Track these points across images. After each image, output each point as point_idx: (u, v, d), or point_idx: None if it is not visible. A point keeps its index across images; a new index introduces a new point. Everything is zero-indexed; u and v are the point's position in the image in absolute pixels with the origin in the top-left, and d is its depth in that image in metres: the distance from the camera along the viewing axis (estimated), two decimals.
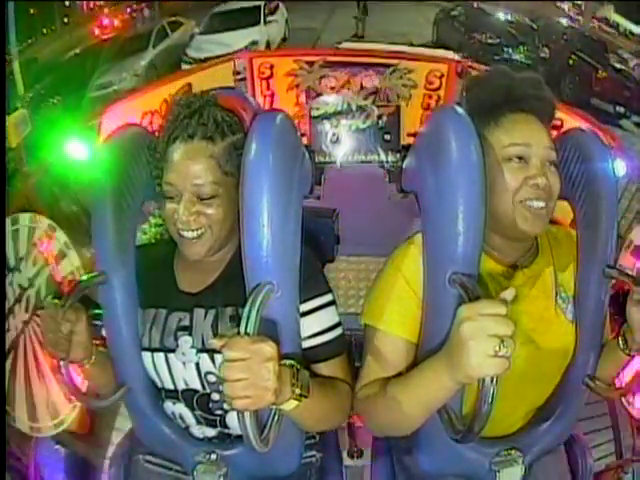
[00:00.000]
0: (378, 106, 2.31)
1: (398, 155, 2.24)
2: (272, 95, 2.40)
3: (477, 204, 0.87)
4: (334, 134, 2.29)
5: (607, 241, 0.99)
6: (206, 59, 7.76)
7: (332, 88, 2.37)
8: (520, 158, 0.96)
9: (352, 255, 2.37)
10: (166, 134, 0.98)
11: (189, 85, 2.35)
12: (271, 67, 2.36)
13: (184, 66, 8.08)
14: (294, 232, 0.92)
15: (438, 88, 2.35)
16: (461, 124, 0.90)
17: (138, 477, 1.13)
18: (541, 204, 0.95)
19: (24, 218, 1.82)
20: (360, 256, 2.39)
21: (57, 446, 1.95)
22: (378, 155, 2.28)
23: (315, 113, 2.30)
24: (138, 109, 2.31)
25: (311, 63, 2.34)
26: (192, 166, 0.96)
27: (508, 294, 0.75)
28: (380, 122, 2.29)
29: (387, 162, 2.27)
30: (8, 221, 1.66)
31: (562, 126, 2.19)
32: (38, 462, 1.93)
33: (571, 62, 7.55)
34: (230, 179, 0.98)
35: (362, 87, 2.37)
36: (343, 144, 2.29)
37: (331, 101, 2.30)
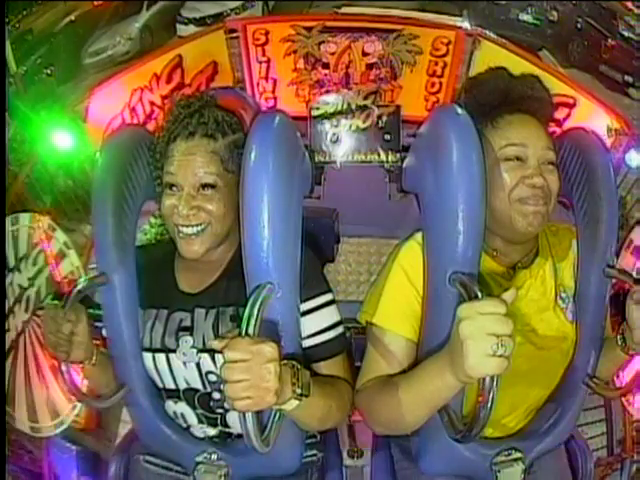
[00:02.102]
0: (378, 106, 2.30)
1: (398, 155, 2.23)
2: (268, 61, 2.37)
3: (477, 204, 0.87)
4: (334, 134, 2.29)
5: (607, 241, 0.99)
6: (201, 18, 7.64)
7: (332, 54, 2.35)
8: (518, 158, 0.96)
9: (353, 236, 2.36)
10: (166, 134, 0.99)
11: (179, 57, 2.33)
12: (266, 33, 2.33)
13: (179, 27, 7.90)
14: (294, 232, 0.92)
15: (445, 55, 2.33)
16: (461, 124, 0.90)
17: (138, 477, 1.13)
18: (539, 207, 0.95)
19: (24, 218, 1.82)
20: (361, 237, 2.37)
21: (68, 444, 1.96)
22: (378, 155, 2.27)
23: (315, 113, 2.29)
24: (126, 87, 2.28)
25: (309, 28, 2.31)
26: (194, 160, 0.96)
27: (509, 295, 0.75)
28: (380, 122, 2.29)
29: (387, 162, 2.26)
30: (8, 221, 1.66)
31: (575, 104, 2.19)
32: (51, 461, 1.94)
33: (579, 26, 7.50)
34: (231, 176, 0.98)
35: (364, 53, 2.35)
36: (343, 144, 2.28)
37: (331, 101, 2.29)
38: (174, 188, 0.98)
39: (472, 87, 1.05)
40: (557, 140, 1.02)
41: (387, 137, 2.28)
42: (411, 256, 0.99)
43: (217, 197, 0.97)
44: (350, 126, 2.29)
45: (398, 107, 2.30)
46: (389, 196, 2.24)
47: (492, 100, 0.99)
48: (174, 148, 0.98)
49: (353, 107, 2.29)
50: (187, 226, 0.97)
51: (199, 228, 0.97)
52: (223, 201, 0.98)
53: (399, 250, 1.02)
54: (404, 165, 1.09)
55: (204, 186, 0.97)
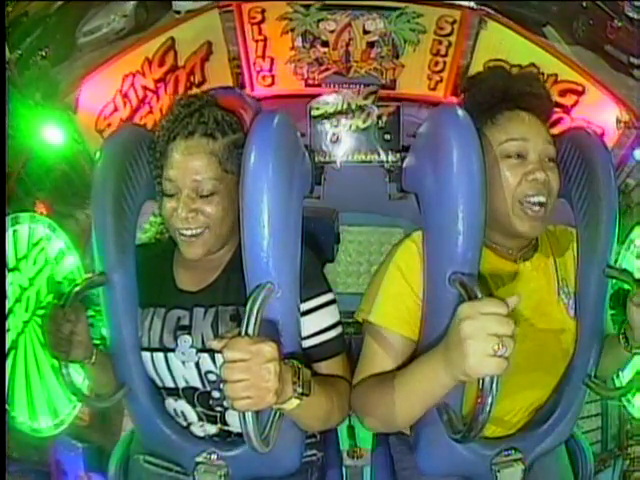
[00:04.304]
0: (378, 106, 2.30)
1: (398, 155, 2.23)
2: (265, 40, 2.33)
3: (477, 204, 0.87)
4: (334, 134, 2.29)
5: (607, 241, 0.99)
6: None
7: (331, 32, 2.32)
8: (518, 155, 0.96)
9: (353, 225, 2.34)
10: (166, 132, 0.99)
11: (172, 39, 2.28)
12: (262, 11, 2.29)
13: (175, 3, 7.92)
14: (294, 232, 0.92)
15: (449, 34, 2.29)
16: (461, 124, 0.90)
17: (138, 477, 1.13)
18: (541, 199, 0.95)
19: (24, 218, 1.82)
20: (361, 226, 2.36)
21: (74, 441, 1.96)
22: (378, 155, 2.28)
23: (315, 113, 2.29)
24: (117, 73, 2.22)
25: (307, 6, 2.26)
26: (192, 162, 0.96)
27: (512, 301, 0.75)
28: (380, 122, 2.29)
29: (387, 162, 2.26)
30: (8, 221, 1.66)
31: (584, 92, 2.17)
32: (58, 459, 1.94)
33: (585, 4, 7.50)
34: (230, 177, 0.98)
35: (365, 30, 2.32)
36: (343, 144, 2.29)
37: (331, 101, 2.29)
38: (173, 191, 0.98)
39: (471, 86, 1.06)
40: (557, 140, 1.03)
41: (387, 137, 2.28)
42: (408, 255, 0.99)
43: (216, 200, 0.97)
44: (350, 126, 2.29)
45: (398, 107, 2.30)
46: (389, 196, 2.24)
47: (491, 98, 1.00)
48: (174, 147, 0.98)
49: (353, 107, 2.29)
50: (186, 229, 0.97)
51: (198, 231, 0.98)
52: (222, 204, 0.98)
53: (396, 250, 1.02)
54: (404, 165, 1.08)
55: (203, 191, 0.97)
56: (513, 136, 0.96)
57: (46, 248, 1.84)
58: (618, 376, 1.16)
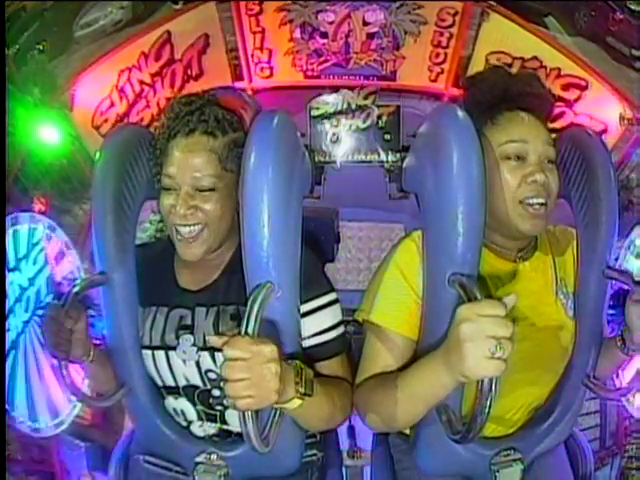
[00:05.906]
0: (378, 106, 2.30)
1: (398, 155, 2.23)
2: (263, 31, 2.32)
3: (477, 205, 0.87)
4: (334, 134, 2.29)
5: (607, 242, 0.99)
6: None
7: (331, 23, 2.30)
8: (518, 157, 0.96)
9: (352, 221, 2.34)
10: (166, 130, 0.99)
11: (168, 33, 2.27)
12: (260, 3, 2.27)
13: None
14: (294, 232, 0.92)
15: (451, 26, 2.27)
16: (461, 125, 0.90)
17: (138, 477, 1.13)
18: (541, 200, 0.95)
19: (24, 218, 1.82)
20: (361, 222, 2.35)
21: (77, 441, 1.96)
22: (378, 155, 2.28)
23: (315, 113, 2.29)
24: (113, 69, 2.21)
25: None
26: (192, 159, 0.96)
27: (510, 300, 0.75)
28: (380, 122, 2.29)
29: (387, 162, 2.26)
30: (8, 221, 1.66)
31: (587, 87, 2.16)
32: (62, 459, 1.94)
33: None
34: (230, 175, 0.98)
35: (365, 22, 2.30)
36: (343, 144, 2.29)
37: (331, 101, 2.29)
38: (172, 188, 0.98)
39: (471, 85, 1.06)
40: (556, 139, 1.03)
41: (387, 137, 2.29)
42: (407, 255, 1.00)
43: (215, 197, 0.97)
44: (350, 126, 2.29)
45: (398, 107, 2.30)
46: (389, 196, 2.24)
47: (491, 98, 1.00)
48: (174, 145, 0.98)
49: (353, 107, 2.29)
50: (184, 226, 0.97)
51: (196, 228, 0.97)
52: (221, 202, 0.98)
53: (395, 249, 1.02)
54: (404, 165, 1.08)
55: (202, 188, 0.97)
56: (513, 138, 0.96)
57: (46, 248, 1.84)
58: (618, 376, 1.16)
